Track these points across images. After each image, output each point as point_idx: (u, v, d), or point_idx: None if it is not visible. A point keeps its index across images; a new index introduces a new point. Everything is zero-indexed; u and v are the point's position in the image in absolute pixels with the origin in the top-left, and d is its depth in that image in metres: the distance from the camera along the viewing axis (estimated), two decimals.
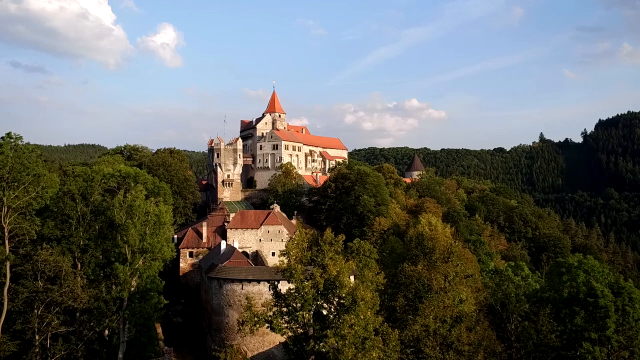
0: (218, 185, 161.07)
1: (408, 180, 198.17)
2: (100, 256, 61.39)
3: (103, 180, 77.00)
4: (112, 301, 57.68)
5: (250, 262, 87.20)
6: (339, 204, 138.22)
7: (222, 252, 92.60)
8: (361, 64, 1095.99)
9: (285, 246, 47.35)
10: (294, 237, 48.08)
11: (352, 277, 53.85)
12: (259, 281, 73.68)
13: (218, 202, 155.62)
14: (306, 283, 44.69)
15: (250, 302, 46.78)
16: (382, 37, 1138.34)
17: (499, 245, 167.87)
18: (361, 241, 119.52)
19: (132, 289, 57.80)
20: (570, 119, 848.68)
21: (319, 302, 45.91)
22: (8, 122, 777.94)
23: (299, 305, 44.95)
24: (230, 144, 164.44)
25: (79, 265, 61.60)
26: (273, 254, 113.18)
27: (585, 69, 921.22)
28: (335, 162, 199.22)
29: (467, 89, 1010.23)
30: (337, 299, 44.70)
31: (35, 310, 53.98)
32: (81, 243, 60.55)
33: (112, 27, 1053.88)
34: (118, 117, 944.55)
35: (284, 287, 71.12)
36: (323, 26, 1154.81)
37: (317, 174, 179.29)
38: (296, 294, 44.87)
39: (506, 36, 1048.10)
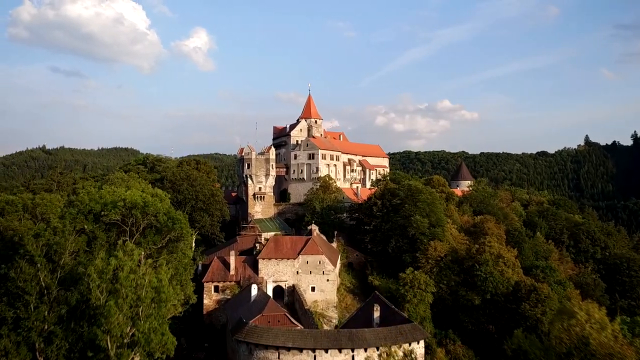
0: (249, 199, 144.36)
1: (457, 191, 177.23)
2: (73, 348, 42.80)
3: (103, 212, 60.65)
4: None
5: (289, 315, 69.14)
6: (386, 225, 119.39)
7: (252, 299, 74.93)
8: (392, 65, 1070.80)
9: None
10: None
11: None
12: (300, 350, 55.95)
13: (249, 220, 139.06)
14: None
15: None
16: (413, 38, 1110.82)
17: (567, 269, 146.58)
18: (415, 271, 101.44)
19: None
20: (616, 121, 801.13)
21: None
22: (48, 125, 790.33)
23: None
24: (262, 154, 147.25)
25: None
26: (313, 289, 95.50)
27: (625, 68, 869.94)
28: (377, 172, 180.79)
29: (501, 90, 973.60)
30: None
31: None
32: (45, 329, 42.41)
33: (147, 31, 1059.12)
34: (151, 120, 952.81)
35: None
36: (354, 28, 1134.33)
37: (357, 186, 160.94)
38: None
39: (541, 35, 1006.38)
